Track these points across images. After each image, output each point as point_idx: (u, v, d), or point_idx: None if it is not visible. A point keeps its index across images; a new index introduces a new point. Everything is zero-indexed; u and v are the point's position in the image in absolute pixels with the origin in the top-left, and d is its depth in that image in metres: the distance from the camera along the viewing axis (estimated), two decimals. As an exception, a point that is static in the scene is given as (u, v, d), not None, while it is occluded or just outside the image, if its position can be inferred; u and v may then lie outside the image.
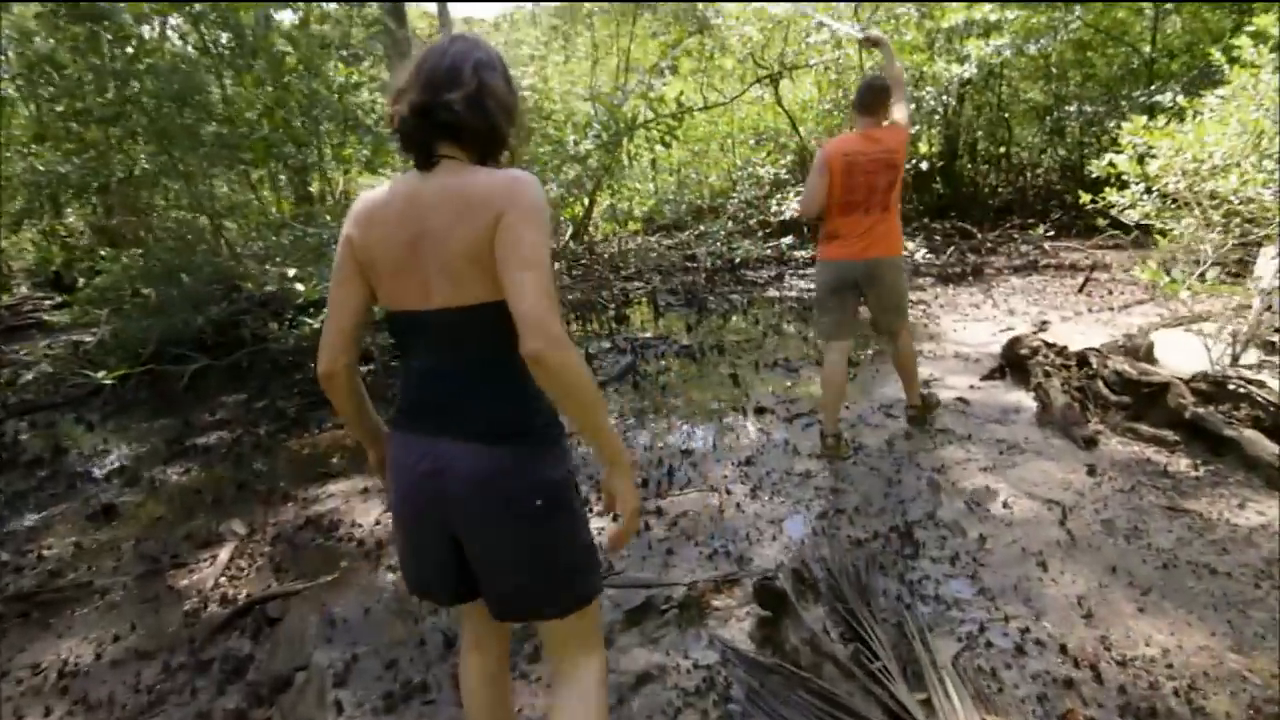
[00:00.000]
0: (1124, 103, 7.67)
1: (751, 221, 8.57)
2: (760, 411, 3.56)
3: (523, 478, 1.06)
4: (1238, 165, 3.61)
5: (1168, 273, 3.41)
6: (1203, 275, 3.65)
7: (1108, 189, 4.23)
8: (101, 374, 4.05)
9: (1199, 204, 3.84)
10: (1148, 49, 8.24)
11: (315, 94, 4.59)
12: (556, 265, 6.86)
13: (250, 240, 5.66)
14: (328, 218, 4.31)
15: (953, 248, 7.56)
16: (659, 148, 5.78)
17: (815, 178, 2.79)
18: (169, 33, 6.20)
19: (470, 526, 1.09)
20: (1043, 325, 4.78)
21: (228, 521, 2.81)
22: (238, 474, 3.34)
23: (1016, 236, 7.94)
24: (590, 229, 8.45)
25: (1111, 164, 4.05)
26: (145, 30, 5.28)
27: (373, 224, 1.07)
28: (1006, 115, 9.77)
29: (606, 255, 8.09)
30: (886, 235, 2.82)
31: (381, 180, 5.94)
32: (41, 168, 5.58)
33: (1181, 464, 2.66)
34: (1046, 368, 3.45)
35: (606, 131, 5.01)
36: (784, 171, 9.14)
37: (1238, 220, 3.81)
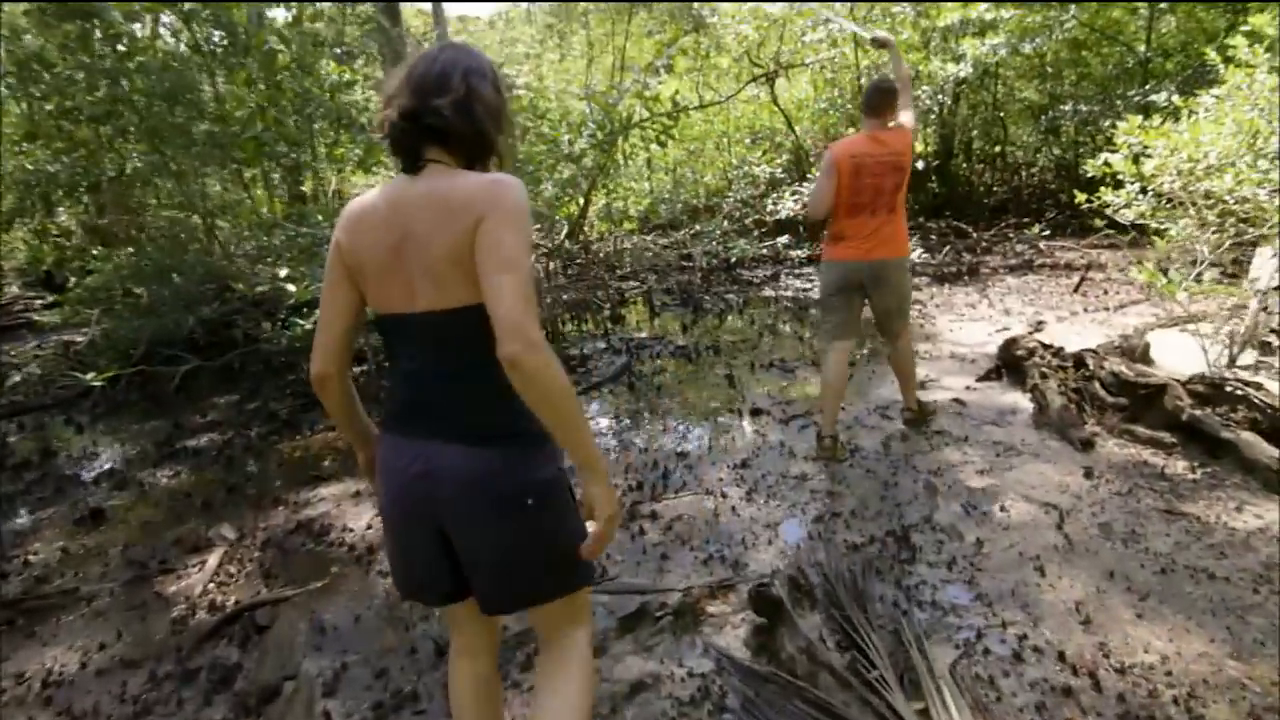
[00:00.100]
0: (1119, 102, 7.68)
1: (747, 221, 8.55)
2: (756, 413, 3.54)
3: (512, 478, 1.07)
4: (1233, 165, 3.60)
5: (1164, 273, 3.40)
6: (1199, 276, 3.65)
7: (1103, 188, 4.22)
8: (90, 375, 4.00)
9: (1194, 204, 3.83)
10: (1143, 48, 8.25)
11: (308, 93, 4.55)
12: (552, 264, 6.83)
13: (243, 240, 5.62)
14: (319, 218, 4.26)
15: (948, 247, 7.56)
16: (654, 147, 5.75)
17: (823, 179, 2.79)
18: (161, 30, 6.15)
19: (460, 526, 1.10)
20: (1038, 325, 4.77)
21: (217, 526, 2.77)
22: (228, 477, 3.30)
23: (1012, 236, 7.94)
24: (586, 228, 8.42)
25: (1107, 163, 4.04)
26: (137, 28, 5.23)
27: (360, 228, 1.09)
28: (1002, 114, 9.77)
29: (602, 255, 8.06)
30: (892, 237, 2.81)
31: (375, 179, 5.91)
32: (30, 166, 5.52)
33: (1179, 466, 2.65)
34: (1043, 369, 3.44)
35: (601, 131, 4.98)
36: (780, 170, 9.12)
37: (1233, 220, 3.81)
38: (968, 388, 3.71)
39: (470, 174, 1.06)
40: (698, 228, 8.66)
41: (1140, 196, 4.12)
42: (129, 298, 5.21)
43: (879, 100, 2.77)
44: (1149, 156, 3.89)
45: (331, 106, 4.67)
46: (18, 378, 5.06)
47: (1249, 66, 3.76)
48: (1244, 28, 4.10)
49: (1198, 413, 2.75)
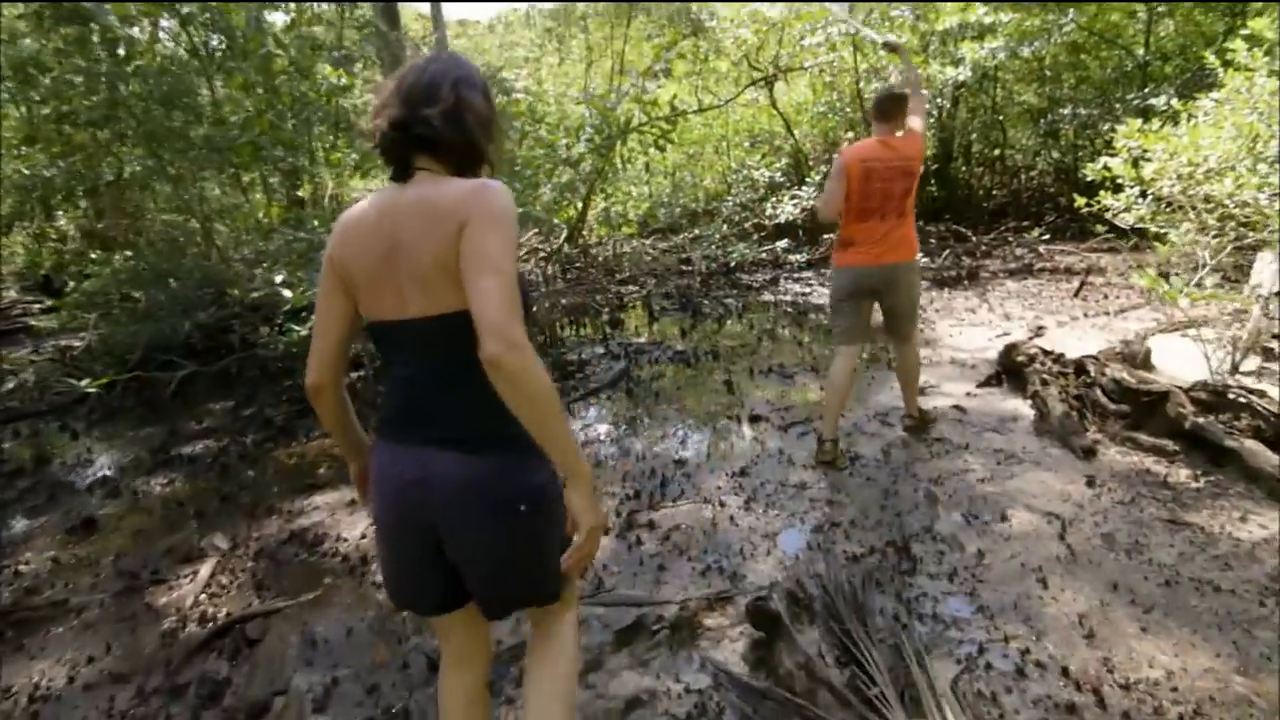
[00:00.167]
0: (1118, 105, 7.67)
1: (746, 225, 8.53)
2: (755, 419, 3.52)
3: (506, 484, 1.08)
4: (1233, 169, 3.59)
5: (1165, 279, 3.38)
6: (1200, 282, 3.62)
7: (1102, 192, 4.21)
8: (85, 382, 3.98)
9: (1194, 208, 3.82)
10: (1141, 52, 8.24)
11: (304, 97, 4.53)
12: (550, 269, 6.81)
13: (241, 244, 5.60)
14: (315, 223, 4.24)
15: (948, 251, 7.54)
16: (653, 151, 5.73)
17: (833, 183, 2.80)
18: (160, 35, 6.13)
19: (455, 533, 1.10)
20: (1039, 330, 4.76)
21: (210, 535, 2.74)
22: (223, 485, 3.27)
23: (1011, 239, 7.93)
24: (585, 232, 8.40)
25: (1106, 167, 4.03)
26: (136, 32, 5.21)
27: (351, 238, 1.10)
28: (1001, 118, 9.77)
29: (601, 259, 8.04)
30: (902, 241, 2.82)
31: (373, 184, 5.89)
32: (26, 171, 5.50)
33: (1182, 475, 2.62)
34: (1044, 375, 3.41)
35: (599, 135, 4.96)
36: (779, 174, 9.11)
37: (1233, 224, 3.79)
38: (968, 394, 3.68)
39: (457, 180, 1.06)
40: (697, 232, 8.65)
41: (1140, 200, 4.10)
42: (127, 302, 5.19)
43: (890, 106, 2.78)
44: (1148, 160, 3.87)
45: (329, 110, 4.66)
46: (10, 385, 5.03)
47: (1248, 70, 3.74)
48: (1243, 31, 4.09)
49: (1200, 420, 2.72)
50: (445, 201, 1.02)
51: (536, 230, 7.19)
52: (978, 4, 7.31)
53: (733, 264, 7.63)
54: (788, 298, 6.56)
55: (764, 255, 7.89)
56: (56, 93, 4.64)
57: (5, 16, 5.02)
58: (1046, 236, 7.59)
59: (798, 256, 7.94)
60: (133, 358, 4.65)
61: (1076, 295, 5.78)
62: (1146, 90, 7.43)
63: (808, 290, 6.87)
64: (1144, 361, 3.59)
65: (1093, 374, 3.26)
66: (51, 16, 4.48)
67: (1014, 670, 1.70)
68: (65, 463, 3.78)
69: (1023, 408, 3.40)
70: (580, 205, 6.90)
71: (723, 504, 2.67)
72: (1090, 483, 2.61)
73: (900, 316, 2.93)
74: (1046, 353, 3.65)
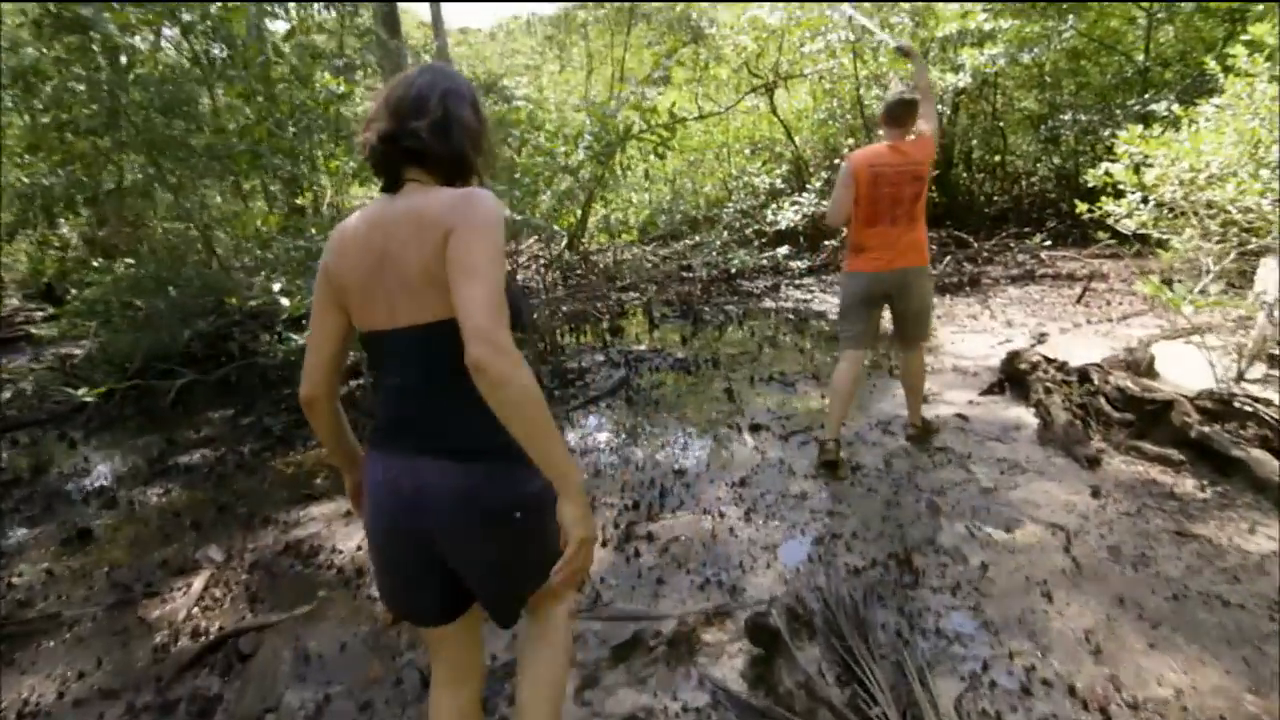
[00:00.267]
0: (1118, 111, 7.65)
1: (747, 231, 8.52)
2: (755, 429, 3.49)
3: (500, 493, 1.08)
4: (1235, 174, 3.57)
5: (1169, 285, 3.35)
6: (1204, 289, 3.59)
7: (1104, 198, 4.19)
8: (82, 391, 3.96)
9: (1196, 213, 3.79)
10: (1141, 58, 8.24)
11: (304, 105, 4.53)
12: (550, 276, 6.80)
13: (241, 252, 5.59)
14: (314, 231, 4.23)
15: (949, 257, 7.52)
16: (653, 158, 5.73)
17: (841, 189, 2.81)
18: (163, 44, 6.15)
19: (452, 543, 1.10)
20: (1041, 337, 4.73)
21: (205, 547, 2.72)
22: (219, 495, 3.25)
23: (1013, 246, 7.90)
24: (585, 239, 8.40)
25: (1107, 173, 4.01)
26: (138, 41, 5.23)
27: (344, 251, 1.11)
28: (1001, 124, 9.76)
29: (601, 266, 8.03)
30: (913, 246, 2.81)
31: (373, 192, 5.89)
32: (26, 180, 5.51)
33: (1188, 485, 2.59)
34: (1047, 383, 3.38)
35: (598, 142, 4.95)
36: (779, 181, 9.10)
37: (1236, 230, 3.76)
38: (970, 402, 3.65)
39: (444, 190, 1.07)
40: (697, 238, 8.63)
41: (1142, 206, 4.08)
42: (128, 310, 5.18)
43: (900, 111, 2.77)
44: (1150, 166, 3.86)
45: (329, 118, 4.65)
46: (10, 393, 5.01)
47: (1249, 75, 3.73)
48: (1244, 37, 4.08)
49: (1206, 429, 2.69)
50: (431, 210, 1.03)
51: (537, 238, 7.18)
52: (978, 9, 7.31)
53: (733, 271, 7.61)
54: (789, 304, 6.54)
55: (765, 262, 7.86)
56: (57, 101, 4.65)
57: (7, 25, 5.04)
58: (1048, 242, 7.56)
59: (798, 263, 7.91)
60: (132, 366, 4.63)
61: (1079, 302, 5.75)
62: (1147, 96, 7.42)
63: (809, 297, 6.85)
64: (1148, 369, 3.55)
65: (1096, 382, 3.23)
66: (52, 25, 4.48)
67: (1019, 688, 1.67)
68: (63, 472, 3.76)
69: (1026, 416, 3.36)
70: (580, 212, 6.89)
71: (722, 515, 2.64)
72: (1095, 493, 2.58)
73: (913, 322, 2.92)
74: (1049, 360, 3.62)
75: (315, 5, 6.96)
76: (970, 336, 4.96)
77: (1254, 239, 3.71)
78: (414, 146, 1.07)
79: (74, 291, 6.19)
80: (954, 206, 9.38)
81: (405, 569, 1.15)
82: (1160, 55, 8.48)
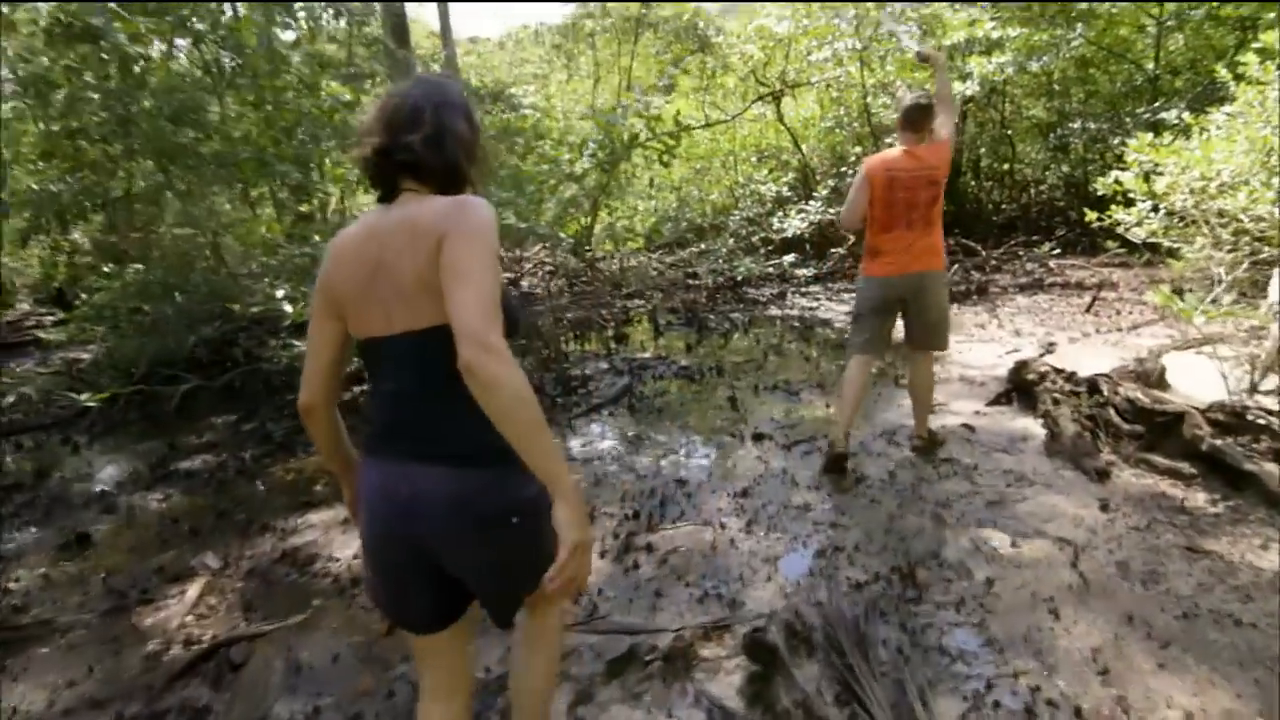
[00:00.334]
0: (1128, 120, 7.60)
1: (754, 239, 8.50)
2: (759, 438, 3.45)
3: (495, 498, 1.08)
4: (1246, 183, 3.52)
5: (1180, 295, 3.30)
6: (1216, 299, 3.54)
7: (1114, 206, 4.14)
8: (85, 396, 3.98)
9: (1207, 222, 3.74)
10: (1151, 66, 8.18)
11: (310, 114, 4.56)
12: (555, 283, 6.80)
13: (248, 259, 5.62)
14: (317, 237, 4.25)
15: (957, 265, 7.46)
16: (657, 166, 5.73)
17: (855, 192, 2.81)
18: (176, 52, 6.21)
19: (448, 549, 1.10)
20: (1050, 347, 4.67)
21: (202, 554, 2.70)
22: (219, 501, 3.24)
23: (1021, 254, 7.84)
24: (592, 246, 8.41)
25: (1117, 181, 3.97)
26: (154, 50, 5.29)
27: (341, 260, 1.13)
28: (1010, 132, 9.72)
29: (607, 273, 8.02)
30: (929, 250, 2.80)
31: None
32: (35, 185, 5.57)
33: (1199, 499, 2.53)
34: (1055, 394, 3.33)
35: (603, 150, 4.96)
36: (786, 189, 9.09)
37: (1247, 239, 3.71)
38: (977, 412, 3.60)
39: (438, 198, 1.09)
40: (703, 246, 8.62)
41: (1152, 215, 4.03)
42: (137, 315, 5.21)
43: (916, 115, 2.76)
44: (1160, 174, 3.81)
45: (335, 125, 4.68)
46: (13, 398, 5.04)
47: (1260, 83, 3.69)
48: (1255, 45, 4.03)
49: (1218, 442, 2.63)
50: (425, 218, 1.04)
51: (544, 245, 7.18)
52: (986, 18, 7.29)
53: (739, 278, 7.58)
54: (794, 312, 6.50)
55: (771, 270, 7.84)
56: (69, 108, 4.70)
57: (21, 33, 5.10)
58: (1057, 251, 7.50)
59: (805, 271, 7.88)
60: (138, 371, 4.65)
61: (1088, 311, 5.69)
62: (1157, 104, 7.36)
63: (815, 305, 6.81)
64: (1158, 380, 3.49)
65: (1106, 393, 3.17)
66: (63, 34, 4.54)
67: (1024, 709, 1.62)
68: (64, 477, 3.76)
69: (1033, 427, 3.31)
70: (587, 220, 6.90)
71: (723, 526, 2.60)
72: (1104, 507, 2.52)
73: (931, 331, 2.90)
74: (1058, 370, 3.57)
75: (325, 15, 7.03)
76: (978, 345, 4.90)
77: (1266, 248, 3.66)
78: (407, 159, 1.09)
79: (84, 297, 6.24)
80: (962, 214, 9.32)
81: (398, 574, 1.15)
82: (1170, 63, 8.42)
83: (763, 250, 8.26)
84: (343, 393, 4.13)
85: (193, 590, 2.42)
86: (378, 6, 8.02)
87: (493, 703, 1.74)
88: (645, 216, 9.55)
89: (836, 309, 6.56)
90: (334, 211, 5.56)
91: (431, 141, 1.09)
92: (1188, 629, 1.86)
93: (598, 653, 1.89)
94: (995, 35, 7.46)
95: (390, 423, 1.13)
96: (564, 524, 0.99)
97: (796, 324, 6.02)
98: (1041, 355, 4.40)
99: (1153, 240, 4.08)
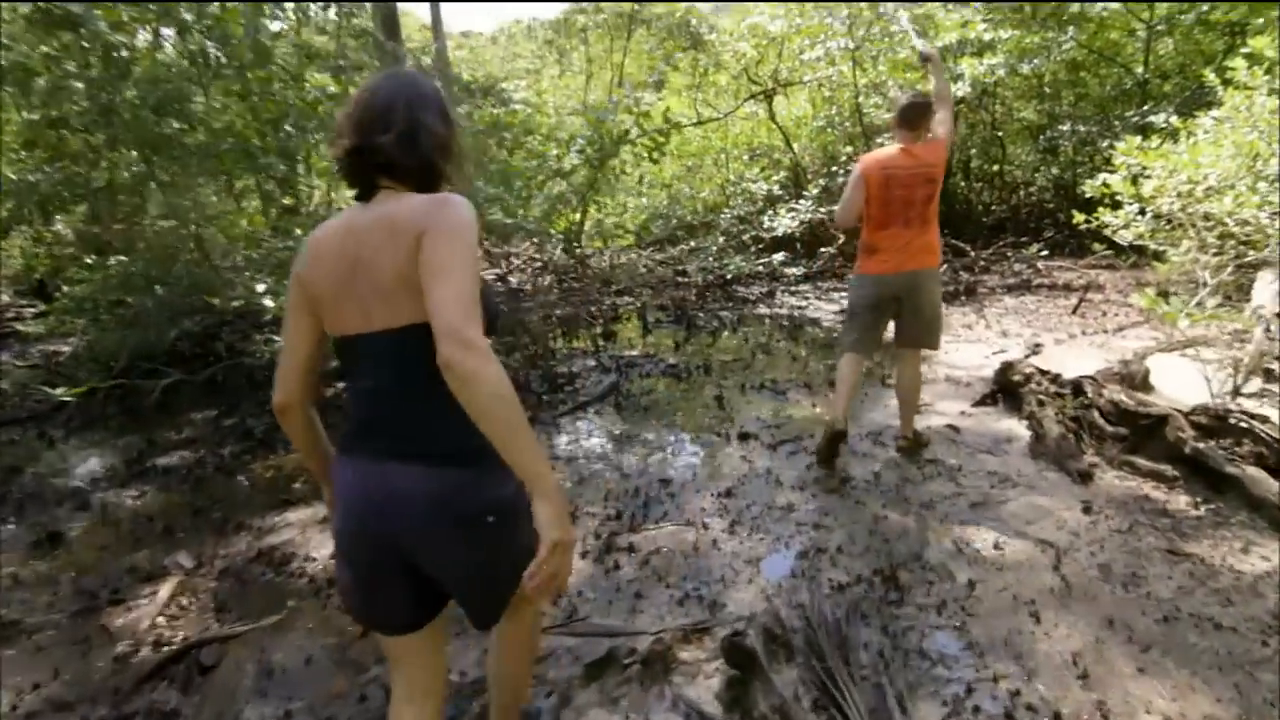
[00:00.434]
0: (1117, 123, 7.64)
1: (744, 237, 8.48)
2: (744, 437, 3.43)
3: (471, 498, 1.07)
4: (1233, 187, 3.53)
5: (1165, 298, 3.31)
6: (1201, 302, 3.55)
7: (1101, 209, 4.15)
8: (60, 391, 3.90)
9: (1193, 225, 3.75)
10: (1141, 70, 8.23)
11: (294, 105, 4.49)
12: (542, 280, 6.75)
13: (233, 252, 5.54)
14: (299, 231, 4.19)
15: (945, 266, 7.47)
16: (646, 163, 5.69)
17: (851, 190, 2.80)
18: (163, 42, 6.11)
19: (424, 547, 1.09)
20: (1036, 348, 4.68)
21: (175, 553, 2.65)
22: (195, 499, 3.18)
23: (1010, 255, 7.87)
24: (581, 243, 8.36)
25: (1105, 184, 3.98)
26: (139, 39, 5.19)
27: (318, 258, 1.12)
28: (1000, 134, 9.75)
29: (597, 269, 7.98)
30: (924, 248, 2.81)
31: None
32: (14, 175, 5.46)
33: (1181, 502, 2.53)
34: (1040, 396, 3.33)
35: (591, 146, 4.91)
36: (777, 187, 9.07)
37: (1233, 243, 3.73)
38: (963, 413, 3.60)
39: (417, 195, 1.08)
40: (694, 244, 8.60)
41: (1139, 217, 4.04)
42: (119, 307, 5.12)
43: (912, 114, 2.75)
44: (1148, 177, 3.83)
45: (320, 118, 4.61)
46: (-11, 391, 4.95)
47: (1248, 88, 3.70)
48: (1243, 50, 4.05)
49: (1201, 446, 2.64)
50: (403, 215, 1.04)
51: (532, 241, 7.13)
52: (978, 19, 7.29)
53: (729, 276, 7.57)
54: (783, 311, 6.49)
55: (761, 268, 7.83)
56: (50, 97, 4.60)
57: (5, 21, 4.99)
58: (1045, 252, 7.53)
59: (794, 270, 7.88)
60: (118, 365, 4.57)
61: (1075, 312, 5.71)
62: (1146, 108, 7.41)
63: (804, 304, 6.80)
64: (1143, 382, 3.50)
65: (1090, 395, 3.17)
66: (41, 22, 4.44)
67: (1003, 714, 1.61)
68: (38, 473, 3.69)
69: (1018, 428, 3.31)
70: (576, 216, 6.85)
71: (706, 526, 2.58)
72: (1086, 509, 2.52)
73: (924, 329, 2.90)
74: (1043, 372, 3.57)
75: (314, 7, 6.93)
76: (965, 346, 4.91)
77: (1251, 252, 3.67)
78: (380, 161, 1.09)
79: (65, 288, 6.13)
80: (952, 215, 9.33)
81: (372, 572, 1.13)
82: (1159, 67, 8.47)
83: (753, 248, 8.25)
84: (323, 390, 4.09)
85: (165, 590, 2.37)
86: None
87: (467, 707, 1.71)
88: (636, 213, 9.52)
89: (825, 308, 6.55)
90: (320, 204, 5.48)
91: (404, 140, 1.08)
92: (1168, 633, 1.86)
93: (576, 655, 1.86)
94: (987, 37, 7.47)
95: (367, 420, 1.12)
96: (545, 523, 0.98)
97: (785, 323, 6.00)
98: (1028, 356, 4.41)
99: (1139, 243, 4.09)
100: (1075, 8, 7.82)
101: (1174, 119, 4.23)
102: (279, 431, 3.95)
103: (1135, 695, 1.65)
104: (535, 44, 16.05)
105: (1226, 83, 3.84)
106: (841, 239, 7.69)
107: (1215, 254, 3.76)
